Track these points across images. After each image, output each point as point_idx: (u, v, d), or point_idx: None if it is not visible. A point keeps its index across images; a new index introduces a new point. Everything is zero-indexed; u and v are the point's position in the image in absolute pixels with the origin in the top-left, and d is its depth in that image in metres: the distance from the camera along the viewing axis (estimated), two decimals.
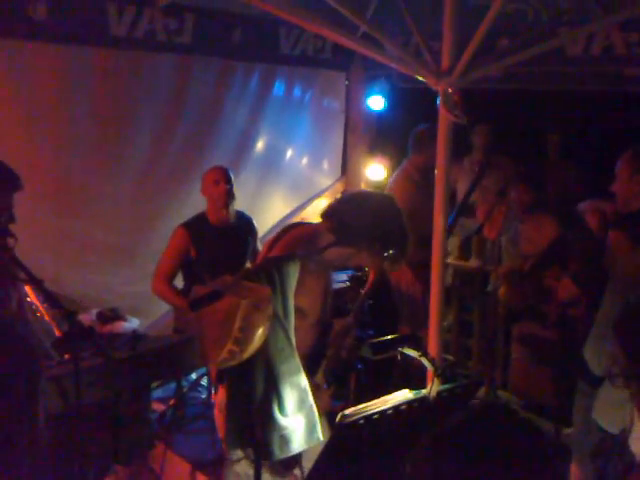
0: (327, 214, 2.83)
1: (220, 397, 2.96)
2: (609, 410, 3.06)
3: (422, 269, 4.35)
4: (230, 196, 4.43)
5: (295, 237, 2.82)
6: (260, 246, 4.57)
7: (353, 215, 2.73)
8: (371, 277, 3.23)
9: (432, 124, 4.94)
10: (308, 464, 2.68)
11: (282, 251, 2.73)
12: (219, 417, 3.03)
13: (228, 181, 4.42)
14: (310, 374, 2.73)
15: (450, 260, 5.05)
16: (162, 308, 5.02)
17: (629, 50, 4.84)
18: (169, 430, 4.07)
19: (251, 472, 2.57)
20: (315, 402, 2.73)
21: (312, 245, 2.74)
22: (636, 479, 2.64)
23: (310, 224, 3.12)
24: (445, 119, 3.34)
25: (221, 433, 3.05)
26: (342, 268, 3.07)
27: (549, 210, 4.84)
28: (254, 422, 2.37)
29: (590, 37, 4.95)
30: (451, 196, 4.21)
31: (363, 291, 3.16)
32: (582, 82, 5.26)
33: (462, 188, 5.77)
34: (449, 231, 4.29)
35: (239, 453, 2.65)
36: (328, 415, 2.89)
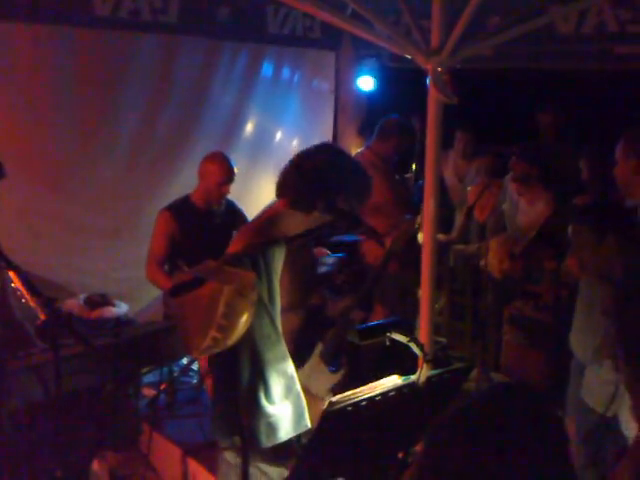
0: (279, 185, 2.96)
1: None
2: (595, 388, 3.07)
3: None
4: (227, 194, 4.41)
5: (249, 228, 2.89)
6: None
7: (304, 173, 2.85)
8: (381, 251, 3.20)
9: (402, 117, 4.95)
10: None
11: (241, 244, 2.69)
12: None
13: (232, 181, 4.37)
14: (298, 363, 2.67)
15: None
16: (151, 294, 4.97)
17: (621, 27, 4.77)
18: (159, 415, 4.04)
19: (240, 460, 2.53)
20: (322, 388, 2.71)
21: (272, 228, 2.75)
22: (628, 463, 2.63)
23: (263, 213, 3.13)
24: (435, 99, 3.26)
25: None
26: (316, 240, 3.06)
27: (545, 185, 4.73)
28: (240, 410, 2.32)
29: (582, 15, 4.89)
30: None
31: (375, 270, 3.15)
32: (574, 60, 5.20)
33: (447, 180, 5.75)
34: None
35: (228, 441, 2.61)
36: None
